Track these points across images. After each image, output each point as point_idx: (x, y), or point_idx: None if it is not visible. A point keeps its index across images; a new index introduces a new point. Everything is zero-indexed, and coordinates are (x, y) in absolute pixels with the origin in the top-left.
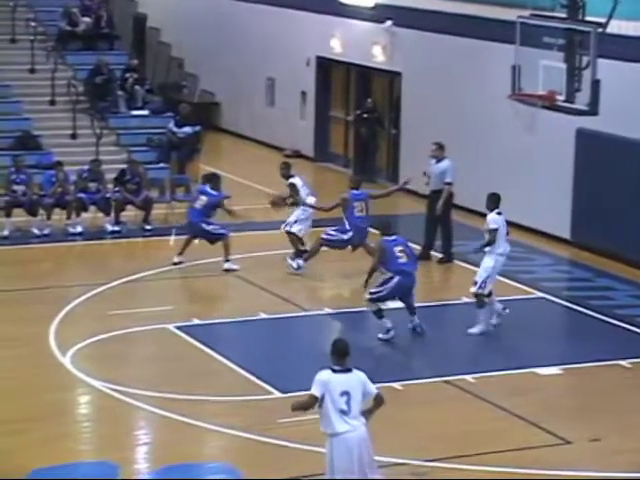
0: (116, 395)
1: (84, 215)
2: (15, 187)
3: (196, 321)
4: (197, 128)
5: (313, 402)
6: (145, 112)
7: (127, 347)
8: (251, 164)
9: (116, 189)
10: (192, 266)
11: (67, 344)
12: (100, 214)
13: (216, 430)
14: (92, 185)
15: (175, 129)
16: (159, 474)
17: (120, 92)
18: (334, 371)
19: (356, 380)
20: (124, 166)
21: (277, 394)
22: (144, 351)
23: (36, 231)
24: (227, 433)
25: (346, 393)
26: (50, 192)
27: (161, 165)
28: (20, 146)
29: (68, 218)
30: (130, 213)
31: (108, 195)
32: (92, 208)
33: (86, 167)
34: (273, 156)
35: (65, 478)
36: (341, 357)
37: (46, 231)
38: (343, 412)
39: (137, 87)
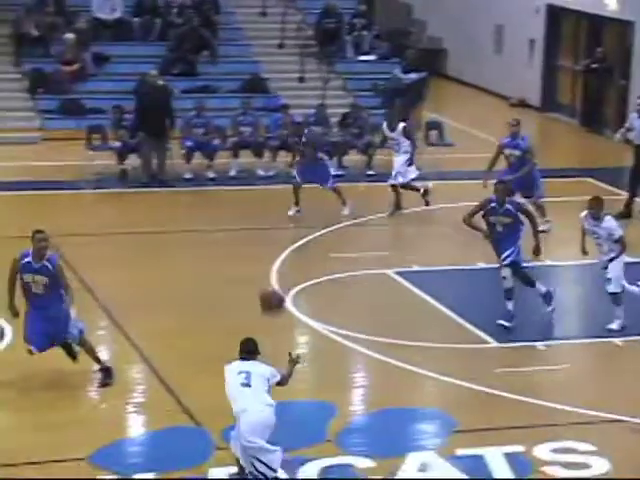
0: (334, 337)
1: None
2: (242, 129)
3: (415, 267)
4: (423, 74)
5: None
6: (372, 57)
7: (346, 290)
8: (475, 112)
9: (339, 133)
10: (411, 213)
11: (288, 285)
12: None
13: (431, 376)
14: (316, 129)
15: (401, 75)
16: (374, 416)
17: (348, 37)
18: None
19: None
20: (348, 110)
21: (494, 343)
22: (363, 295)
23: (261, 172)
24: (442, 380)
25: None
26: (276, 134)
27: (385, 110)
28: (248, 89)
29: (292, 160)
30: (353, 157)
31: (333, 139)
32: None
33: (312, 111)
34: (498, 104)
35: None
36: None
37: (271, 173)
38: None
39: (364, 32)
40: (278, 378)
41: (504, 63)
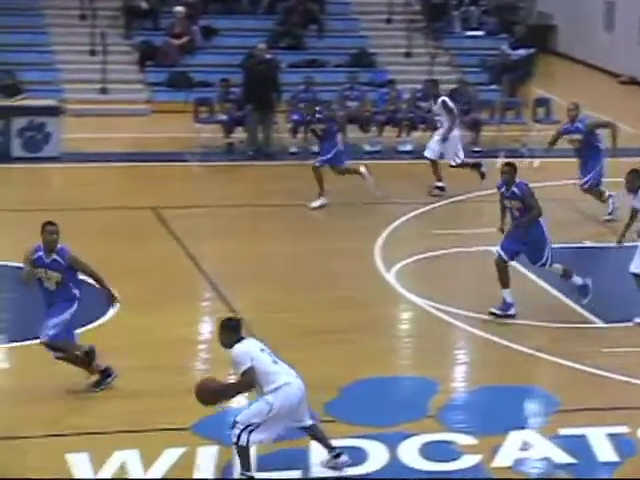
0: (437, 313)
1: (414, 134)
2: (349, 103)
3: None
4: (531, 51)
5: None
6: (480, 33)
7: (450, 267)
8: (584, 90)
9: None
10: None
11: (392, 260)
12: (429, 133)
13: (534, 355)
14: (424, 105)
15: (509, 51)
16: (476, 393)
17: (455, 12)
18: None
19: None
20: (455, 86)
21: (600, 324)
22: (466, 272)
23: (367, 147)
24: (545, 359)
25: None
26: (382, 109)
27: (492, 87)
28: (355, 63)
29: (398, 136)
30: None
31: None
32: (422, 127)
33: (420, 86)
34: (608, 82)
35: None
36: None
37: (377, 147)
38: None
39: (472, 8)
40: None
41: (614, 40)
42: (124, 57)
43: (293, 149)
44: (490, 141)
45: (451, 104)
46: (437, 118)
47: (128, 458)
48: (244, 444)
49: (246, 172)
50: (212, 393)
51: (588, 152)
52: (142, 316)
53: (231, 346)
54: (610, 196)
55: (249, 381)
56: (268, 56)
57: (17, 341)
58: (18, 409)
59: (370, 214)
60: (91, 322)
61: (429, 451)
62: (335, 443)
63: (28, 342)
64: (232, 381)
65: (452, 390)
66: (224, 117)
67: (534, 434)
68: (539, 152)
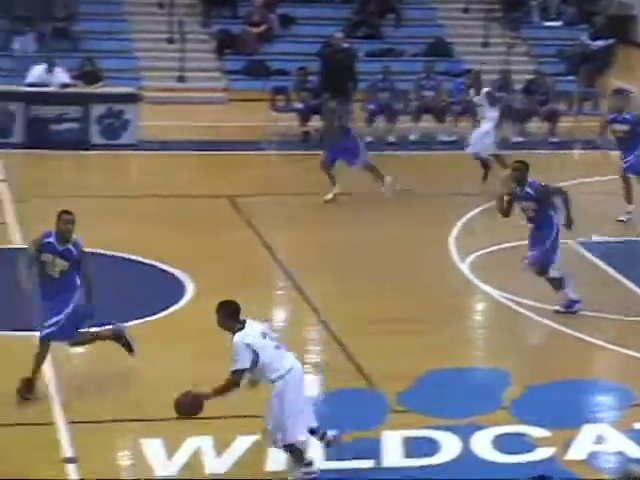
0: (511, 305)
1: None
2: (425, 93)
3: (595, 238)
4: (611, 41)
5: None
6: (558, 23)
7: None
8: None
9: (523, 100)
10: (595, 182)
11: (466, 250)
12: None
13: (610, 348)
14: (499, 95)
15: (588, 41)
16: (550, 386)
17: (534, 2)
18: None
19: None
20: (532, 77)
21: None
22: None
23: (443, 137)
24: (621, 352)
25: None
26: (458, 99)
27: (570, 77)
28: (432, 52)
29: (475, 126)
30: (536, 125)
31: (515, 106)
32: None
33: (497, 77)
34: None
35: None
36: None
37: (452, 138)
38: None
39: None
40: None
41: None
42: (202, 45)
43: (368, 138)
44: (567, 132)
45: (495, 96)
46: (479, 109)
47: (201, 444)
48: (291, 444)
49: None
50: (193, 406)
51: (632, 143)
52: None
53: (231, 330)
54: None
55: (236, 382)
56: (345, 45)
57: (91, 327)
58: (103, 394)
59: (444, 205)
60: (166, 308)
61: (502, 443)
62: (408, 434)
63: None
64: (215, 387)
65: (525, 382)
66: (300, 105)
67: (609, 428)
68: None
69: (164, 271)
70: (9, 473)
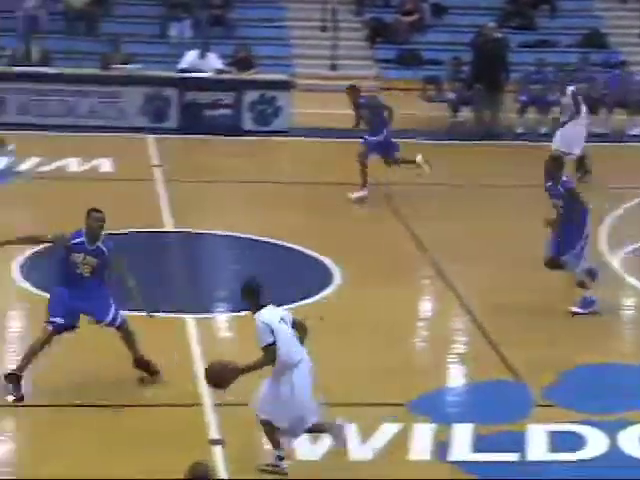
0: None
1: None
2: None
3: None
4: None
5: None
6: None
7: None
8: None
9: None
10: None
11: (616, 245)
12: None
13: None
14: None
15: None
16: None
17: None
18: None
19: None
20: None
21: None
22: None
23: (595, 129)
24: None
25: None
26: (613, 92)
27: None
28: (587, 43)
29: (629, 119)
30: None
31: None
32: None
33: None
34: None
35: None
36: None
37: (605, 130)
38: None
39: None
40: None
41: None
42: (354, 34)
43: (520, 130)
44: None
45: (579, 96)
46: (565, 108)
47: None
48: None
49: (471, 152)
50: (224, 377)
51: None
52: (364, 291)
53: (253, 311)
54: None
55: (269, 358)
56: (498, 35)
57: (239, 311)
58: (244, 377)
59: (593, 199)
60: (311, 296)
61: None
62: (553, 428)
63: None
64: (249, 362)
65: None
66: (452, 96)
67: None
68: None
69: (312, 258)
70: (157, 455)
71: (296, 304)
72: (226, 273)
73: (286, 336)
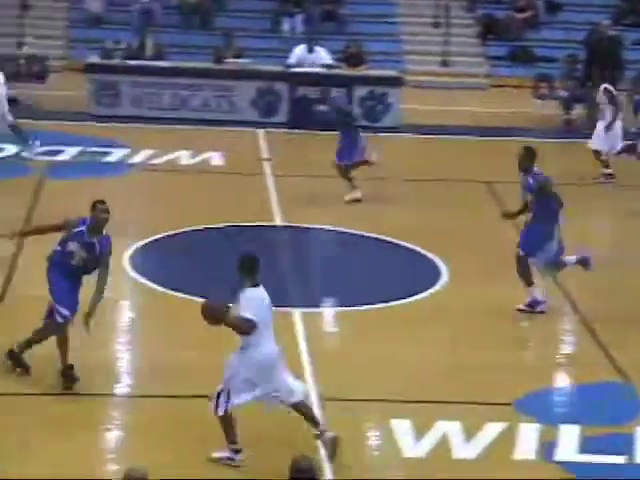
0: None
1: None
2: None
3: None
4: None
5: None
6: None
7: None
8: None
9: None
10: None
11: None
12: None
13: None
14: None
15: None
16: None
17: None
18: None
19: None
20: None
21: None
22: None
23: None
24: None
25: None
26: None
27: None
28: None
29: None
30: None
31: None
32: None
33: None
34: None
35: None
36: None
37: None
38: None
39: None
40: None
41: None
42: (466, 30)
43: (634, 129)
44: None
45: (614, 93)
46: (601, 107)
47: (449, 429)
48: (223, 413)
49: (582, 150)
50: (213, 314)
51: None
52: (471, 289)
53: (245, 285)
54: None
55: (247, 330)
56: (612, 33)
57: (347, 306)
58: (354, 372)
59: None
60: (418, 293)
61: None
62: None
63: (359, 308)
64: (236, 319)
65: None
66: (565, 94)
67: None
68: None
69: (420, 254)
70: (266, 448)
71: (404, 300)
72: (333, 268)
73: (264, 319)
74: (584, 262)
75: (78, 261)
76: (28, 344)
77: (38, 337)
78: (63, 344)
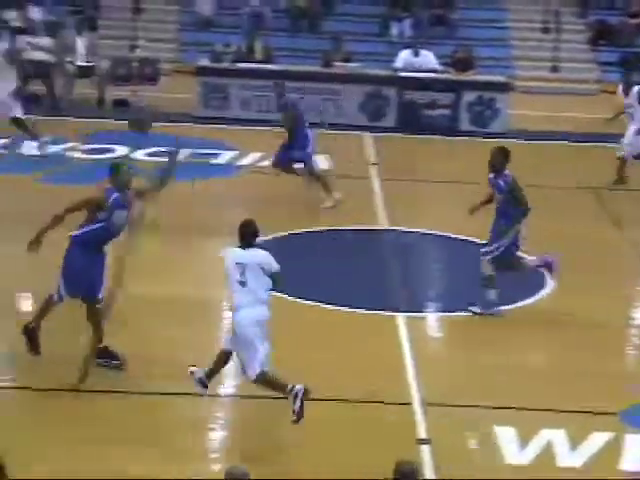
0: None
1: None
2: None
3: None
4: None
5: None
6: None
7: None
8: None
9: None
10: None
11: None
12: None
13: None
14: None
15: None
16: None
17: None
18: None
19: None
20: None
21: None
22: None
23: None
24: None
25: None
26: None
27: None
28: None
29: None
30: None
31: None
32: None
33: None
34: None
35: None
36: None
37: None
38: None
39: None
40: (274, 267)
41: None
42: (577, 36)
43: None
44: None
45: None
46: (629, 110)
47: (554, 437)
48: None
49: None
50: None
51: None
52: (577, 296)
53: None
54: None
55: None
56: None
57: (447, 311)
58: (452, 377)
59: None
60: (525, 298)
61: None
62: None
63: (463, 313)
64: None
65: None
66: None
67: None
68: None
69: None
70: (363, 452)
71: (512, 306)
72: (438, 273)
73: (232, 280)
74: (547, 266)
75: (121, 226)
76: (99, 339)
77: (97, 327)
78: (45, 311)
